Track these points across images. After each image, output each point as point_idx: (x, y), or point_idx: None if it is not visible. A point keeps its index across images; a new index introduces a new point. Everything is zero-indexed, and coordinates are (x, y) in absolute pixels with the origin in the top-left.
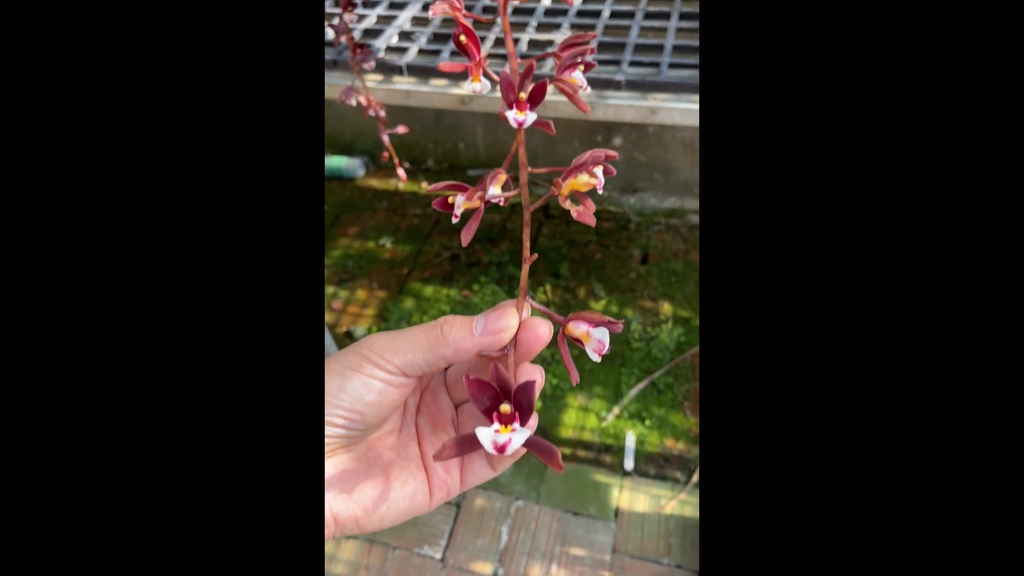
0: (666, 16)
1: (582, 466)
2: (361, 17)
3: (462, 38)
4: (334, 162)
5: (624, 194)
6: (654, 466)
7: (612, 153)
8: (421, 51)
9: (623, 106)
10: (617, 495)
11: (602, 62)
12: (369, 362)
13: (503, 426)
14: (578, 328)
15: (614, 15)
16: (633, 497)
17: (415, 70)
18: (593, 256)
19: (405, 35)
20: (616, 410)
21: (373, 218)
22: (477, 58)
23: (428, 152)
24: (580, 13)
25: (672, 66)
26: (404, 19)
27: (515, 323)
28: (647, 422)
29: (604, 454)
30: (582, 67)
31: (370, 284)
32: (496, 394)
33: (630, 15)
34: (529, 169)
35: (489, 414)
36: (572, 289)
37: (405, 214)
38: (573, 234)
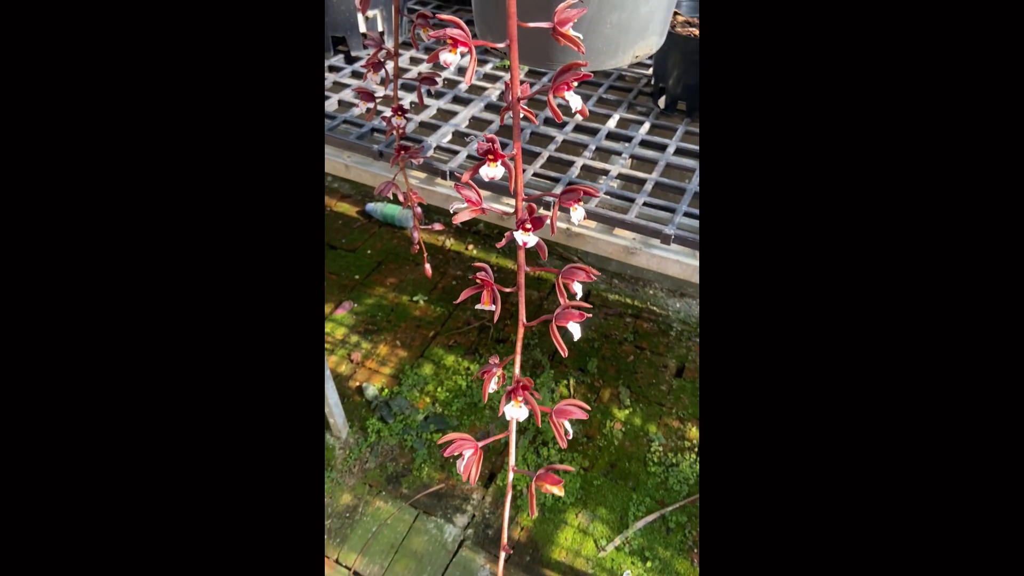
0: None
1: None
2: (422, 108)
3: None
4: (389, 209)
5: (671, 296)
6: None
7: (563, 472)
8: (471, 157)
9: (668, 259)
10: None
11: (656, 206)
12: None
13: None
14: None
15: (679, 152)
16: None
17: (458, 176)
18: (626, 357)
19: (460, 135)
20: (618, 541)
21: (413, 272)
22: (491, 287)
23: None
24: (644, 143)
25: None
26: (463, 117)
27: None
28: (649, 564)
29: None
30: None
31: (394, 340)
32: None
33: (696, 154)
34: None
35: None
36: (597, 388)
37: (445, 273)
38: (609, 328)
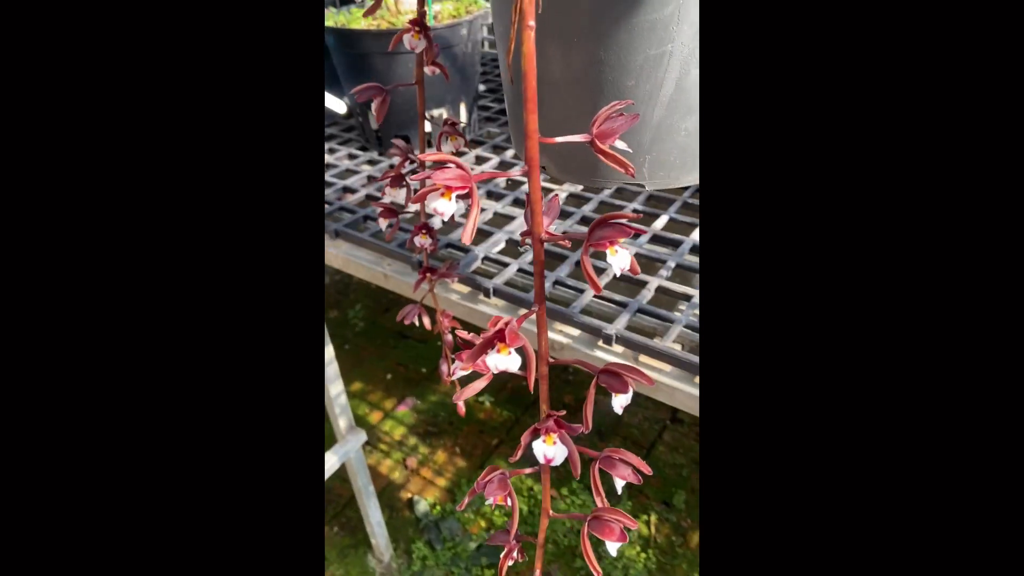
0: None
1: None
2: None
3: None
4: None
5: None
6: None
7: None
8: (521, 271)
9: None
10: None
11: None
12: None
13: None
14: None
15: None
16: None
17: (503, 295)
18: None
19: (515, 243)
20: None
21: None
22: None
23: None
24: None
25: None
26: (520, 224)
27: None
28: None
29: None
30: None
31: (454, 446)
32: None
33: None
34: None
35: None
36: (684, 530)
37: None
38: None
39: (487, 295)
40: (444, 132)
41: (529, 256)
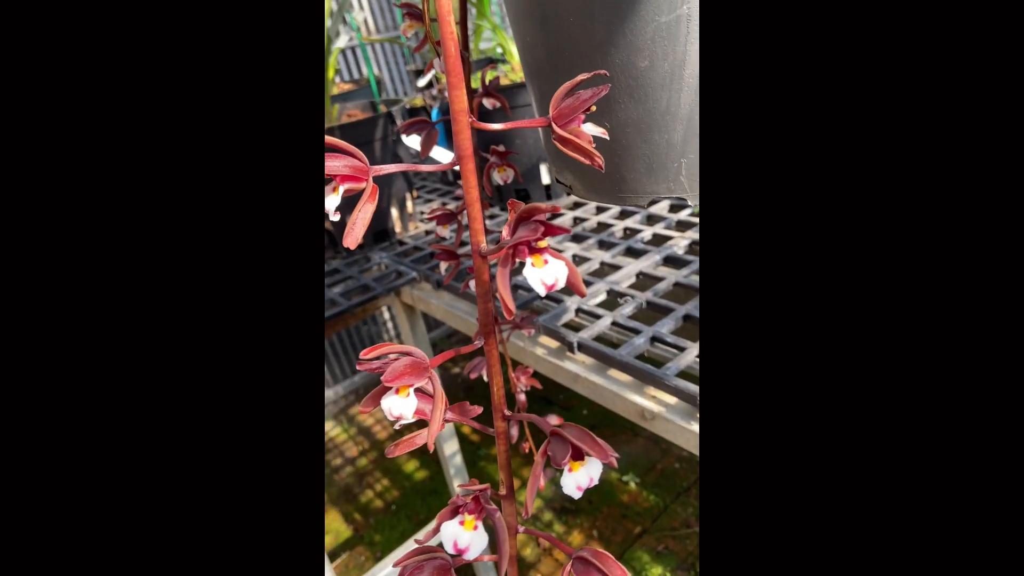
0: None
1: None
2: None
3: None
4: None
5: None
6: None
7: None
8: (616, 325)
9: None
10: None
11: None
12: None
13: None
14: None
15: None
16: None
17: (590, 351)
18: None
19: (617, 295)
20: None
21: (630, 443)
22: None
23: None
24: None
25: None
26: (628, 272)
27: None
28: None
29: None
30: None
31: (591, 528)
32: None
33: None
34: None
35: None
36: None
37: (669, 451)
38: None
39: (571, 350)
40: (492, 164)
41: (628, 308)
